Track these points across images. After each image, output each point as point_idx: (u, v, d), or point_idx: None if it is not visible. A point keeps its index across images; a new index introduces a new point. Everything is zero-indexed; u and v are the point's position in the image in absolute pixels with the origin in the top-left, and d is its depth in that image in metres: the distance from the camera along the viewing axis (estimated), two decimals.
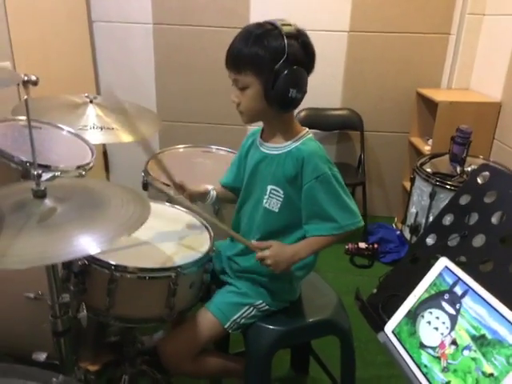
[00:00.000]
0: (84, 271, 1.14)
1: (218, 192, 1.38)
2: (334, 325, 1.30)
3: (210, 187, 1.35)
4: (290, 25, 1.09)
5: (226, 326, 1.23)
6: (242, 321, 1.24)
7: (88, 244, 0.84)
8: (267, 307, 1.27)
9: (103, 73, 3.00)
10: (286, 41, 1.05)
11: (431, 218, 2.03)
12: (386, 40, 2.78)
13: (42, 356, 1.30)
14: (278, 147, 1.20)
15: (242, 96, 1.13)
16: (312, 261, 1.29)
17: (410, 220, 2.16)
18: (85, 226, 0.90)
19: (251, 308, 1.25)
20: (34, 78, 0.87)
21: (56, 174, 1.00)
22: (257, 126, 1.30)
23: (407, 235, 2.20)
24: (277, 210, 1.21)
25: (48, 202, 0.93)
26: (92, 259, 1.12)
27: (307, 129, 1.22)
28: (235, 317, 1.23)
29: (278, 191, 1.19)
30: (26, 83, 0.94)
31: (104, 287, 1.12)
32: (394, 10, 2.72)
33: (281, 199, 1.19)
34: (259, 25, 1.10)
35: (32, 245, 0.82)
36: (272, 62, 1.06)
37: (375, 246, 2.63)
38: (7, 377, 0.76)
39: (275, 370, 1.30)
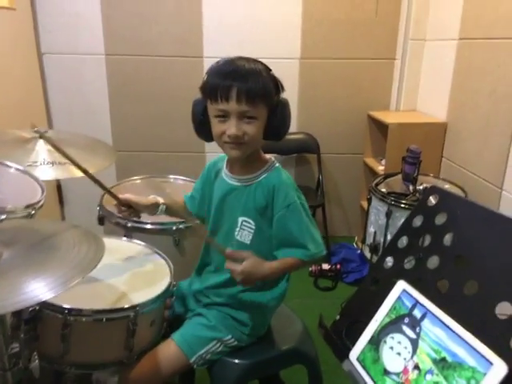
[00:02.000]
0: (35, 317, 1.06)
1: (170, 205, 1.34)
2: (300, 354, 1.29)
3: (161, 200, 1.32)
4: None
5: (191, 361, 1.19)
6: (209, 356, 1.20)
7: (38, 291, 0.80)
8: (236, 343, 1.23)
9: (55, 106, 2.92)
10: (272, 73, 1.11)
11: (389, 237, 2.08)
12: (335, 66, 2.89)
13: None
14: (247, 178, 1.19)
15: (249, 127, 1.09)
16: (284, 290, 1.29)
17: (370, 239, 2.21)
18: (33, 271, 0.85)
19: (219, 343, 1.21)
20: None
21: (1, 217, 0.94)
22: (216, 156, 1.30)
23: (367, 254, 2.24)
24: (248, 242, 1.19)
25: None
26: (43, 304, 1.05)
27: (273, 158, 1.23)
28: (202, 351, 1.19)
29: (249, 223, 1.19)
30: None
31: (57, 333, 1.06)
32: (341, 38, 2.84)
33: (252, 231, 1.18)
34: (252, 60, 1.11)
35: None
36: (276, 94, 1.11)
37: (338, 266, 2.65)
38: None
39: None
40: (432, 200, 0.89)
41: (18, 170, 1.47)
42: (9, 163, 1.46)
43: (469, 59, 2.30)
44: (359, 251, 2.75)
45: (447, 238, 0.81)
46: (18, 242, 0.93)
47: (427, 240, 0.85)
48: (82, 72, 2.87)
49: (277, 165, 1.21)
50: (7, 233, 0.95)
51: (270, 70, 1.12)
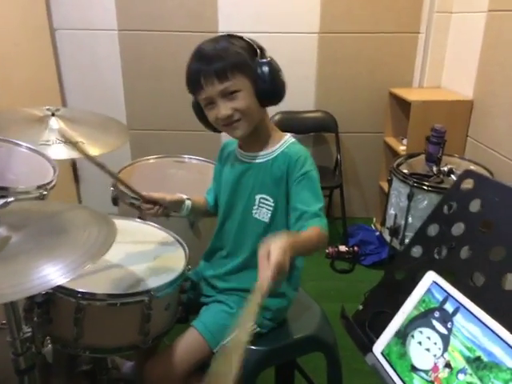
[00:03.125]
0: (48, 301, 1.05)
1: (194, 202, 1.30)
2: (318, 341, 1.25)
3: (184, 196, 1.28)
4: None
5: (214, 350, 1.16)
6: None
7: (49, 276, 0.77)
8: (258, 329, 1.19)
9: (69, 83, 2.88)
10: (248, 39, 1.10)
11: (410, 220, 2.01)
12: (356, 41, 2.77)
13: None
14: (262, 155, 1.17)
15: (236, 101, 1.07)
16: (299, 278, 1.26)
17: (390, 222, 2.14)
18: (44, 255, 0.82)
19: None
20: None
21: (8, 200, 0.91)
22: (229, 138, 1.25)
23: (387, 237, 2.18)
24: (267, 221, 1.16)
25: (1, 230, 0.85)
26: (56, 287, 1.03)
27: (288, 134, 1.20)
28: (225, 341, 1.17)
29: (267, 200, 1.15)
30: None
31: (71, 317, 1.03)
32: (362, 11, 2.71)
33: (271, 208, 1.15)
34: (213, 38, 1.10)
35: None
36: (252, 58, 1.08)
37: (356, 248, 2.60)
38: None
39: None
40: (466, 185, 0.83)
41: (29, 149, 1.44)
42: (20, 142, 1.43)
43: (498, 32, 2.17)
44: (378, 233, 2.69)
45: (483, 227, 0.75)
46: (28, 225, 0.90)
47: (460, 228, 0.79)
48: (95, 48, 2.81)
49: (293, 140, 1.19)
50: (17, 215, 0.92)
51: (241, 37, 1.11)
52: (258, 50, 1.08)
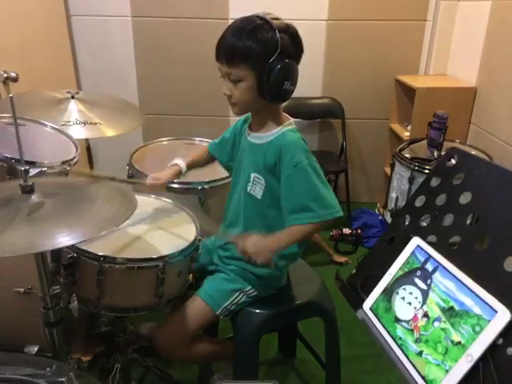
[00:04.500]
0: (73, 263, 1.16)
1: (190, 164, 1.44)
2: (317, 306, 1.36)
3: (180, 164, 1.41)
4: (278, 19, 1.12)
5: (217, 313, 1.28)
6: (233, 307, 1.29)
7: (75, 233, 0.88)
8: (256, 293, 1.31)
9: (83, 68, 2.98)
10: (278, 35, 1.07)
11: None
12: (363, 28, 2.82)
13: (33, 349, 1.32)
14: (261, 136, 1.23)
15: (235, 89, 1.14)
16: (296, 251, 1.34)
17: (391, 205, 2.22)
18: (72, 218, 0.93)
19: (241, 294, 1.29)
20: (13, 74, 0.88)
21: (43, 169, 1.02)
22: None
23: (388, 219, 2.26)
24: (260, 197, 1.24)
25: (36, 196, 0.96)
26: (80, 251, 1.15)
27: (291, 119, 1.25)
28: (226, 303, 1.28)
29: (260, 179, 1.23)
30: (5, 80, 0.95)
31: (93, 278, 1.15)
32: None
33: (263, 187, 1.23)
34: (249, 19, 1.11)
35: (21, 236, 0.85)
36: (266, 56, 1.08)
37: (359, 231, 2.69)
38: (5, 365, 0.79)
39: (263, 353, 1.35)
40: (451, 161, 0.91)
41: (53, 128, 1.55)
42: (45, 122, 1.54)
43: (502, 21, 2.21)
44: (380, 217, 2.77)
45: (463, 198, 0.84)
46: (58, 194, 1.00)
47: (443, 199, 0.88)
48: (109, 34, 2.89)
49: (291, 127, 1.22)
50: (49, 185, 1.03)
51: (273, 28, 1.07)
52: (279, 50, 1.07)
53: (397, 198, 2.18)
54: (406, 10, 2.78)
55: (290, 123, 1.23)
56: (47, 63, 2.53)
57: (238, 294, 1.29)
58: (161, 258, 1.18)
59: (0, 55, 2.02)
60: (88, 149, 3.15)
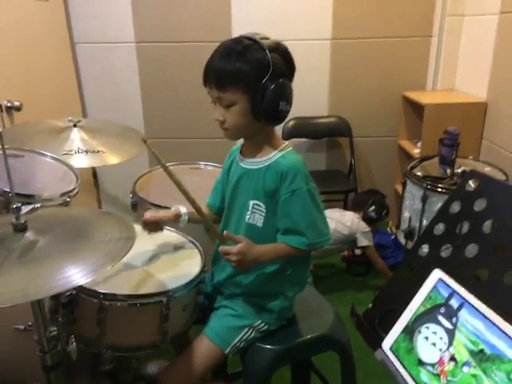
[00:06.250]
0: (72, 301, 1.11)
1: (193, 213, 1.29)
2: (331, 340, 1.28)
3: (182, 211, 1.30)
4: (267, 38, 1.08)
5: (226, 352, 1.20)
6: (242, 344, 1.21)
7: (71, 277, 0.82)
8: (266, 327, 1.24)
9: (89, 94, 2.98)
10: (269, 54, 1.04)
11: (425, 222, 2.02)
12: (368, 46, 2.80)
13: None
14: (257, 162, 1.18)
15: (228, 113, 1.10)
16: (303, 277, 1.28)
17: (404, 225, 2.15)
18: (67, 258, 0.88)
19: (250, 330, 1.22)
20: (17, 103, 0.85)
21: (36, 206, 0.97)
22: (239, 143, 1.29)
23: (402, 240, 2.18)
24: (260, 225, 1.19)
25: (29, 234, 0.91)
26: (80, 289, 1.09)
27: (287, 142, 1.20)
28: (235, 341, 1.20)
29: (260, 206, 1.17)
30: (9, 109, 0.91)
31: (93, 317, 1.09)
32: (374, 16, 2.74)
33: (263, 214, 1.17)
34: (237, 40, 1.08)
35: (13, 281, 0.80)
36: (258, 77, 1.04)
37: None
38: None
39: None
40: (471, 185, 0.85)
41: (53, 158, 1.52)
42: (45, 152, 1.51)
43: (511, 34, 2.17)
44: (393, 237, 2.69)
45: (487, 225, 0.77)
46: (53, 230, 0.95)
47: (465, 227, 0.81)
48: (114, 60, 2.90)
49: (289, 149, 1.18)
50: (44, 220, 0.98)
51: (262, 48, 1.04)
52: (271, 70, 1.03)
53: (410, 218, 2.11)
54: (410, 26, 2.76)
55: (287, 145, 1.19)
56: (52, 91, 2.53)
57: (247, 329, 1.22)
58: (164, 292, 1.12)
59: (4, 84, 2.01)
60: (94, 175, 3.14)
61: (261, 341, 1.23)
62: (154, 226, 1.28)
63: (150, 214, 1.28)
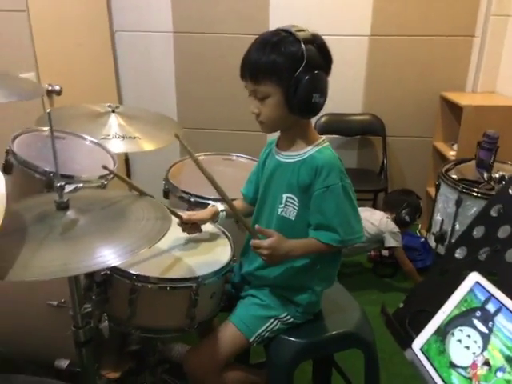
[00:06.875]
0: (106, 281, 1.14)
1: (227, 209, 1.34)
2: (357, 338, 1.27)
3: (219, 207, 1.33)
4: (303, 30, 1.07)
5: (251, 340, 1.21)
6: (267, 334, 1.23)
7: (109, 256, 0.85)
8: (292, 320, 1.24)
9: (125, 82, 3.03)
10: (303, 46, 1.03)
11: (457, 226, 1.97)
12: (407, 43, 2.74)
13: (64, 363, 1.31)
14: (293, 155, 1.18)
15: (263, 106, 1.11)
16: (332, 273, 1.27)
17: (436, 228, 2.11)
18: (106, 237, 0.90)
19: (276, 321, 1.23)
20: (57, 87, 0.88)
21: (78, 186, 1.00)
22: (276, 135, 1.29)
23: (432, 243, 2.14)
24: (293, 218, 1.19)
25: (70, 213, 0.94)
26: (114, 269, 1.12)
27: (323, 137, 1.20)
28: (260, 330, 1.22)
29: (293, 199, 1.18)
30: (50, 93, 0.94)
31: (125, 297, 1.12)
32: (415, 14, 2.67)
33: (297, 207, 1.17)
34: (273, 33, 1.08)
35: (54, 256, 0.83)
36: (292, 69, 1.04)
37: None
38: None
39: (297, 382, 1.27)
40: None
41: (92, 142, 1.56)
42: (85, 135, 1.55)
43: None
44: (423, 239, 2.64)
45: None
46: (92, 211, 0.98)
47: (506, 231, 0.79)
48: (151, 49, 2.94)
49: (325, 144, 1.17)
50: (83, 201, 1.01)
51: (298, 39, 1.03)
52: (304, 62, 1.03)
53: (442, 221, 2.07)
54: (452, 25, 2.68)
55: (324, 140, 1.18)
56: (91, 77, 2.59)
57: (273, 320, 1.22)
58: (194, 278, 1.14)
59: (45, 69, 2.07)
60: (127, 162, 3.21)
61: (286, 333, 1.24)
62: (193, 227, 1.30)
63: (188, 215, 1.29)
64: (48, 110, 0.83)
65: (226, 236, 1.36)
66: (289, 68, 1.04)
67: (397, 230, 2.32)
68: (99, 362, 1.40)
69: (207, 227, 1.40)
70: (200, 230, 1.33)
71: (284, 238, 1.13)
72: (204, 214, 1.32)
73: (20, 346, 1.38)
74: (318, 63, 1.07)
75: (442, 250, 2.05)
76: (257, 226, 1.14)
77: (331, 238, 1.13)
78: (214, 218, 1.32)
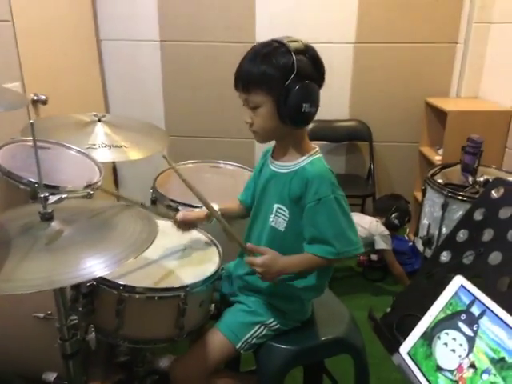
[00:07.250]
0: (92, 292, 1.13)
1: (224, 210, 1.33)
2: (346, 343, 1.27)
3: (215, 207, 1.32)
4: (296, 41, 1.08)
5: (237, 347, 1.21)
6: (254, 340, 1.22)
7: (94, 267, 0.84)
8: (278, 326, 1.24)
9: (112, 91, 3.02)
10: (294, 57, 1.04)
11: (444, 230, 1.99)
12: (392, 50, 2.78)
13: (51, 376, 1.29)
14: (286, 166, 1.18)
15: (255, 116, 1.11)
16: (323, 284, 1.27)
17: (423, 232, 2.13)
18: (91, 248, 0.90)
19: (262, 327, 1.23)
20: (43, 97, 0.88)
21: (63, 196, 0.99)
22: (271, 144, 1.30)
23: (420, 247, 2.16)
24: (282, 230, 1.19)
25: (55, 224, 0.93)
26: (100, 280, 1.11)
27: (317, 148, 1.20)
28: (246, 337, 1.21)
29: (283, 210, 1.18)
30: (35, 103, 0.94)
31: (112, 308, 1.11)
32: (399, 21, 2.72)
33: (286, 219, 1.17)
34: (266, 44, 1.10)
35: (38, 269, 0.82)
36: (282, 79, 1.05)
37: None
38: None
39: None
40: (496, 193, 0.84)
41: (78, 151, 1.55)
42: (70, 145, 1.54)
43: None
44: (411, 243, 2.66)
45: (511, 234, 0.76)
46: (78, 221, 0.97)
47: (489, 235, 0.80)
48: (138, 58, 2.94)
49: (318, 155, 1.17)
50: (68, 212, 1.00)
51: (289, 51, 1.04)
52: (295, 72, 1.03)
53: (429, 225, 2.09)
54: (436, 32, 2.73)
55: (317, 151, 1.18)
56: (77, 86, 2.57)
57: (259, 326, 1.22)
58: (182, 287, 1.13)
59: (31, 78, 2.05)
60: (114, 170, 3.19)
61: (275, 340, 1.23)
62: (187, 226, 1.32)
63: (183, 214, 1.30)
64: (31, 121, 0.82)
65: (214, 244, 1.36)
66: (279, 78, 1.05)
67: (387, 232, 2.34)
68: (87, 375, 1.39)
69: (195, 235, 1.40)
70: (195, 227, 1.35)
71: (278, 254, 1.13)
72: (199, 214, 1.33)
73: (7, 359, 1.36)
74: (309, 74, 1.07)
75: (429, 253, 2.06)
76: (249, 244, 1.14)
77: (326, 251, 1.11)
78: (209, 217, 1.32)
